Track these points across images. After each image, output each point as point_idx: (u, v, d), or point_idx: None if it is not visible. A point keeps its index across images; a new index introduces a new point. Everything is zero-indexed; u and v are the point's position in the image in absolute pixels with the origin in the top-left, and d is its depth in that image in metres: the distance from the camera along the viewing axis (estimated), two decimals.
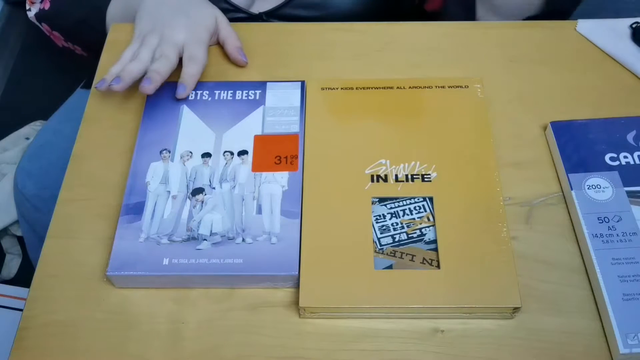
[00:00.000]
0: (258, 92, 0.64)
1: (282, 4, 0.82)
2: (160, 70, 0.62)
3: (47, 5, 0.82)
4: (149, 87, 0.61)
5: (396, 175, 0.57)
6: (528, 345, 0.50)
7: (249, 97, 0.64)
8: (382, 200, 0.56)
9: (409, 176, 0.57)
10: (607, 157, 0.58)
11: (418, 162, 0.58)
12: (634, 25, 0.70)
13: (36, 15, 0.83)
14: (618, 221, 0.54)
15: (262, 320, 0.52)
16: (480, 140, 0.59)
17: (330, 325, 0.52)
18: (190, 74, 0.64)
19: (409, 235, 0.54)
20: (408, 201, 0.56)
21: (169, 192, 0.57)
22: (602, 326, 0.51)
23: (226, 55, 0.70)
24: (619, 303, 0.50)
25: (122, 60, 0.65)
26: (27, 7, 0.83)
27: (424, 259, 0.53)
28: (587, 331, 0.51)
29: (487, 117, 0.61)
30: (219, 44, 0.71)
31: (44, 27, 0.84)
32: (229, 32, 0.69)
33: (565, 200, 0.58)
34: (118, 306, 0.53)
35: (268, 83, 0.65)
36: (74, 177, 0.61)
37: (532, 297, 0.53)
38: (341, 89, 0.64)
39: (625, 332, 0.49)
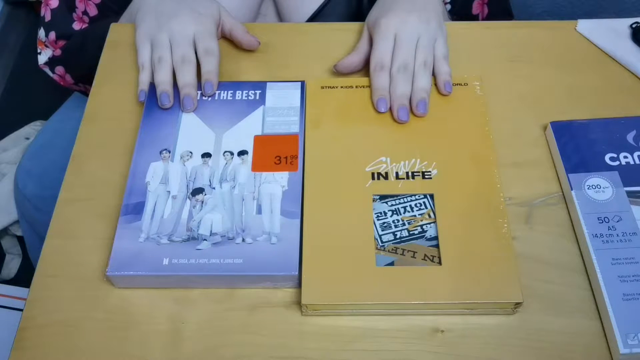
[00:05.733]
0: (258, 92, 0.64)
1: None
2: (191, 82, 0.63)
3: (57, 52, 0.82)
4: (192, 107, 0.62)
5: (397, 173, 0.57)
6: (528, 345, 0.50)
7: (249, 97, 0.64)
8: (383, 197, 0.56)
9: (410, 173, 0.57)
10: (607, 157, 0.58)
11: (418, 160, 0.58)
12: (634, 25, 0.70)
13: (48, 60, 0.83)
14: (618, 221, 0.54)
15: (262, 320, 0.52)
16: (479, 137, 0.59)
17: (331, 325, 0.52)
18: (211, 70, 0.64)
19: (410, 232, 0.54)
20: (409, 198, 0.56)
21: (169, 192, 0.57)
22: (602, 326, 0.51)
23: (226, 56, 0.70)
24: (619, 303, 0.50)
25: (145, 68, 0.65)
26: (38, 51, 0.83)
27: (425, 255, 0.53)
28: (587, 331, 0.51)
29: (487, 113, 0.61)
30: (223, 38, 0.71)
31: (57, 71, 0.84)
32: (233, 22, 0.69)
33: (565, 200, 0.58)
34: (118, 306, 0.53)
35: (268, 83, 0.65)
36: (74, 177, 0.61)
37: (533, 297, 0.53)
38: (341, 87, 0.64)
39: (625, 332, 0.49)
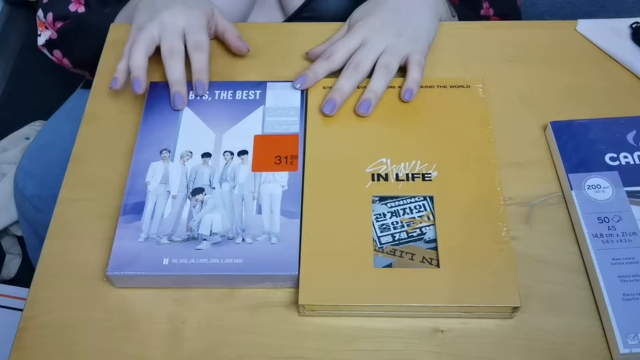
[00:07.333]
0: (258, 92, 0.64)
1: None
2: (180, 78, 0.62)
3: (54, 35, 0.82)
4: (182, 105, 0.63)
5: (397, 174, 0.57)
6: (528, 345, 0.50)
7: (249, 97, 0.64)
8: (382, 199, 0.56)
9: (410, 175, 0.57)
10: (607, 157, 0.58)
11: (419, 161, 0.58)
12: (634, 25, 0.70)
13: (46, 43, 0.83)
14: (618, 221, 0.54)
15: (262, 320, 0.52)
16: (481, 140, 0.59)
17: (330, 325, 0.52)
18: (201, 68, 0.63)
19: (409, 234, 0.54)
20: (408, 200, 0.56)
21: (169, 192, 0.57)
22: (602, 326, 0.51)
23: (226, 55, 0.70)
24: (619, 303, 0.50)
25: (125, 55, 0.64)
26: (38, 32, 0.83)
27: (423, 257, 0.53)
28: (587, 331, 0.51)
29: (488, 116, 0.61)
30: (216, 39, 0.71)
31: (55, 55, 0.84)
32: (227, 24, 0.69)
33: (565, 200, 0.58)
34: (118, 306, 0.53)
35: (268, 83, 0.65)
36: (74, 177, 0.61)
37: (532, 297, 0.53)
38: None
39: (625, 332, 0.49)
